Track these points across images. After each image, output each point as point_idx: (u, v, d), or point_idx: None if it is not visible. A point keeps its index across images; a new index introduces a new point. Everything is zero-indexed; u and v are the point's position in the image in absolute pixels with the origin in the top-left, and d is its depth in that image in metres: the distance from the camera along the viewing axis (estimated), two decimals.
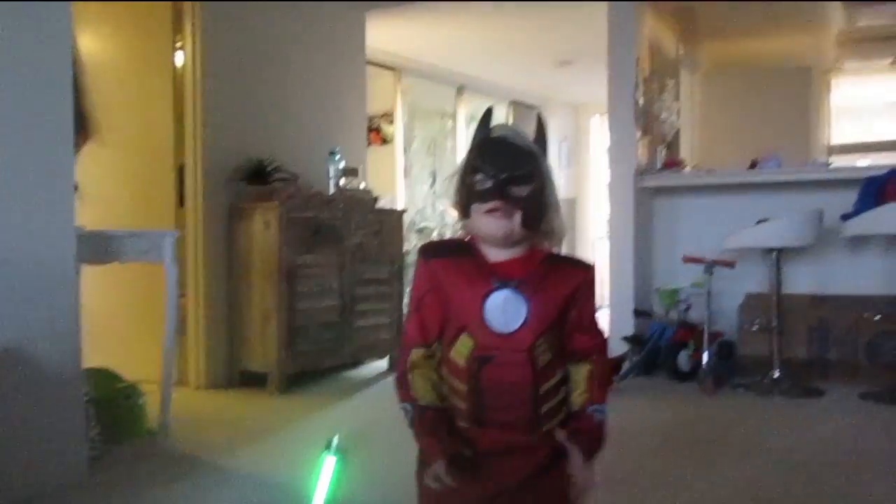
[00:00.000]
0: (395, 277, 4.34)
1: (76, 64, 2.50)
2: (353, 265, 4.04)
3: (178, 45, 3.84)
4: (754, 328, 3.83)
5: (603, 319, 4.54)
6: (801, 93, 6.42)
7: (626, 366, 3.86)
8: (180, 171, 3.83)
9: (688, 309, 3.98)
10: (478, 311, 1.09)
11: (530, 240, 1.12)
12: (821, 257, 4.01)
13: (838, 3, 5.09)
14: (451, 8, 4.89)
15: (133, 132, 3.83)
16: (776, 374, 3.67)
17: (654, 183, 4.40)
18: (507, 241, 1.11)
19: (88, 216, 2.66)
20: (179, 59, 3.84)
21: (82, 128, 2.68)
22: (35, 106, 2.30)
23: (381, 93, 5.82)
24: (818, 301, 3.95)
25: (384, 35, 5.24)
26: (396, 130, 6.17)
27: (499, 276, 1.10)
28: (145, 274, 3.22)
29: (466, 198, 1.11)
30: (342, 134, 4.60)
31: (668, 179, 4.42)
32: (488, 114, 1.15)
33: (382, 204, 4.41)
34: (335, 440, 1.54)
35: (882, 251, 3.89)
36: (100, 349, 2.93)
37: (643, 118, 4.48)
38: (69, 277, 2.35)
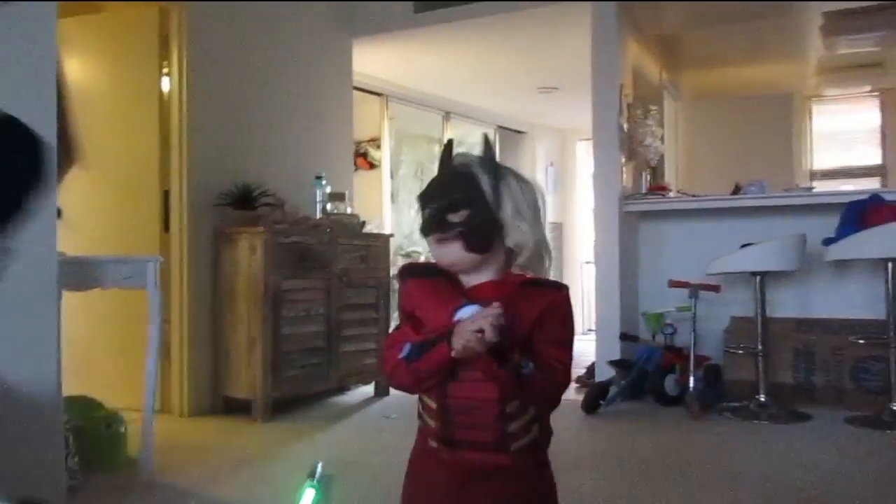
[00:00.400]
0: (382, 302, 4.32)
1: (61, 87, 2.49)
2: (340, 290, 4.02)
3: (165, 70, 3.85)
4: (740, 352, 3.83)
5: (588, 344, 4.55)
6: (783, 119, 6.52)
7: (612, 390, 3.85)
8: (165, 196, 3.82)
9: (674, 333, 3.99)
10: (446, 325, 1.09)
11: (497, 262, 1.13)
12: (805, 281, 4.05)
13: (818, 32, 5.20)
14: (437, 35, 4.95)
15: (118, 157, 3.81)
16: (762, 399, 3.68)
17: (639, 207, 4.43)
18: (459, 268, 1.13)
19: (72, 242, 2.64)
20: (166, 84, 3.85)
21: (67, 152, 2.67)
22: None
23: (368, 118, 5.86)
24: (803, 325, 3.98)
25: (371, 61, 5.29)
26: (383, 155, 6.20)
27: (469, 298, 1.11)
28: (128, 300, 3.19)
29: (421, 231, 1.15)
30: (329, 159, 4.61)
31: (653, 204, 4.45)
32: (448, 147, 1.17)
33: (369, 229, 4.41)
34: (318, 468, 1.52)
35: (865, 275, 3.93)
36: (81, 376, 2.89)
37: (628, 144, 4.53)
38: (50, 303, 2.32)
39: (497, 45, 5.25)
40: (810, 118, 7.11)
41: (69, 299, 2.51)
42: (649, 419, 3.70)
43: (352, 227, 4.24)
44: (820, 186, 5.59)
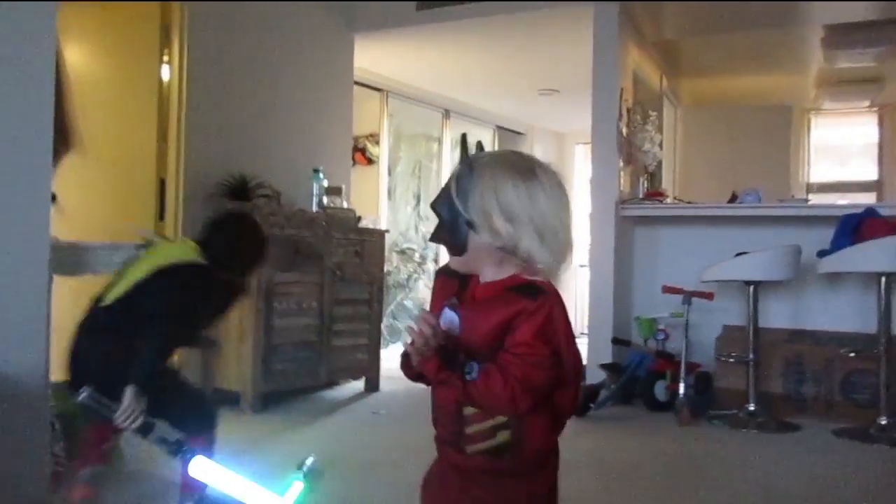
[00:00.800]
0: (375, 298, 4.31)
1: (59, 72, 2.47)
2: (333, 285, 4.01)
3: (165, 59, 3.83)
4: (731, 360, 3.84)
5: (579, 348, 4.55)
6: (781, 131, 6.53)
7: (603, 394, 3.85)
8: (161, 185, 3.80)
9: (666, 339, 4.00)
10: None
11: (496, 262, 1.10)
12: (798, 293, 4.05)
13: (818, 44, 5.21)
14: (439, 33, 4.94)
15: (116, 144, 3.79)
16: (751, 408, 3.68)
17: (635, 213, 4.43)
18: (465, 270, 1.14)
19: (66, 227, 2.62)
20: (165, 73, 3.83)
21: (63, 138, 2.65)
22: (13, 112, 2.27)
23: (367, 113, 5.84)
24: (795, 336, 3.98)
25: (372, 57, 5.28)
26: (382, 151, 6.18)
27: (461, 298, 1.13)
28: None
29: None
30: (326, 153, 4.60)
31: (650, 210, 4.46)
32: (462, 142, 1.13)
33: (365, 224, 4.40)
34: (308, 461, 1.51)
35: (857, 289, 3.94)
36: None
37: (626, 148, 4.53)
38: (40, 288, 2.30)
39: (498, 46, 5.24)
40: (808, 131, 7.13)
41: (58, 285, 2.50)
42: (638, 424, 3.70)
43: (347, 221, 4.23)
44: (815, 199, 5.61)
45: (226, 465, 1.65)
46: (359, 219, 4.33)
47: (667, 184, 5.57)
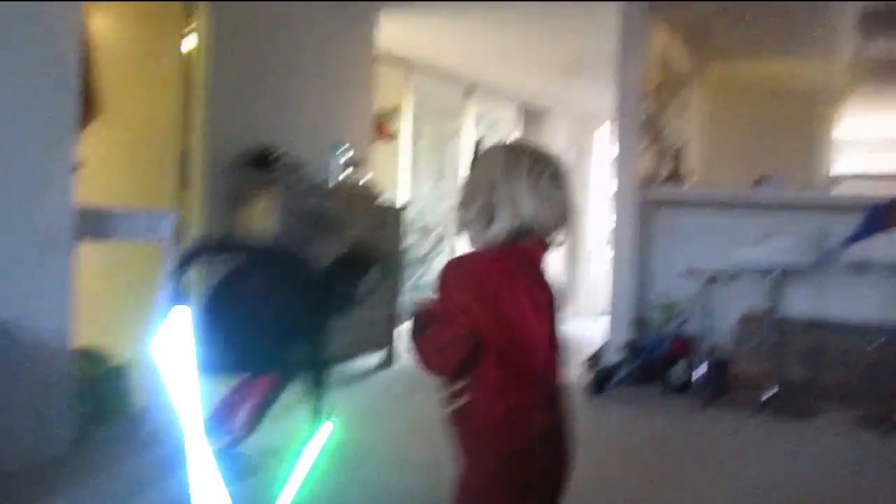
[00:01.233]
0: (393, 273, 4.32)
1: (85, 40, 2.48)
2: None
3: (190, 29, 3.83)
4: (749, 346, 3.81)
5: (596, 328, 4.55)
6: (808, 118, 6.40)
7: (620, 373, 3.85)
8: (184, 154, 3.82)
9: (684, 322, 3.98)
10: None
11: (482, 238, 1.28)
12: (821, 280, 4.00)
13: (853, 31, 5.08)
14: (464, 10, 4.88)
15: (139, 113, 3.80)
16: (768, 394, 3.66)
17: (657, 195, 4.39)
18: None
19: (89, 193, 2.65)
20: (190, 43, 3.83)
21: (88, 105, 2.67)
22: (40, 80, 2.29)
23: (390, 88, 5.81)
24: (815, 324, 3.94)
25: (397, 32, 5.23)
26: (404, 127, 6.16)
27: None
28: (142, 254, 3.20)
29: None
30: (347, 126, 4.59)
31: (672, 193, 4.41)
32: (475, 148, 1.39)
33: (385, 199, 4.40)
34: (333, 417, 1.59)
35: (881, 279, 3.88)
36: (92, 328, 2.91)
37: (649, 130, 4.47)
38: (65, 253, 2.33)
39: (522, 24, 5.17)
40: (836, 119, 6.98)
41: (82, 251, 2.53)
42: (653, 407, 3.69)
43: (367, 196, 4.23)
44: (842, 188, 5.51)
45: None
46: (379, 194, 4.33)
47: (690, 167, 5.50)
